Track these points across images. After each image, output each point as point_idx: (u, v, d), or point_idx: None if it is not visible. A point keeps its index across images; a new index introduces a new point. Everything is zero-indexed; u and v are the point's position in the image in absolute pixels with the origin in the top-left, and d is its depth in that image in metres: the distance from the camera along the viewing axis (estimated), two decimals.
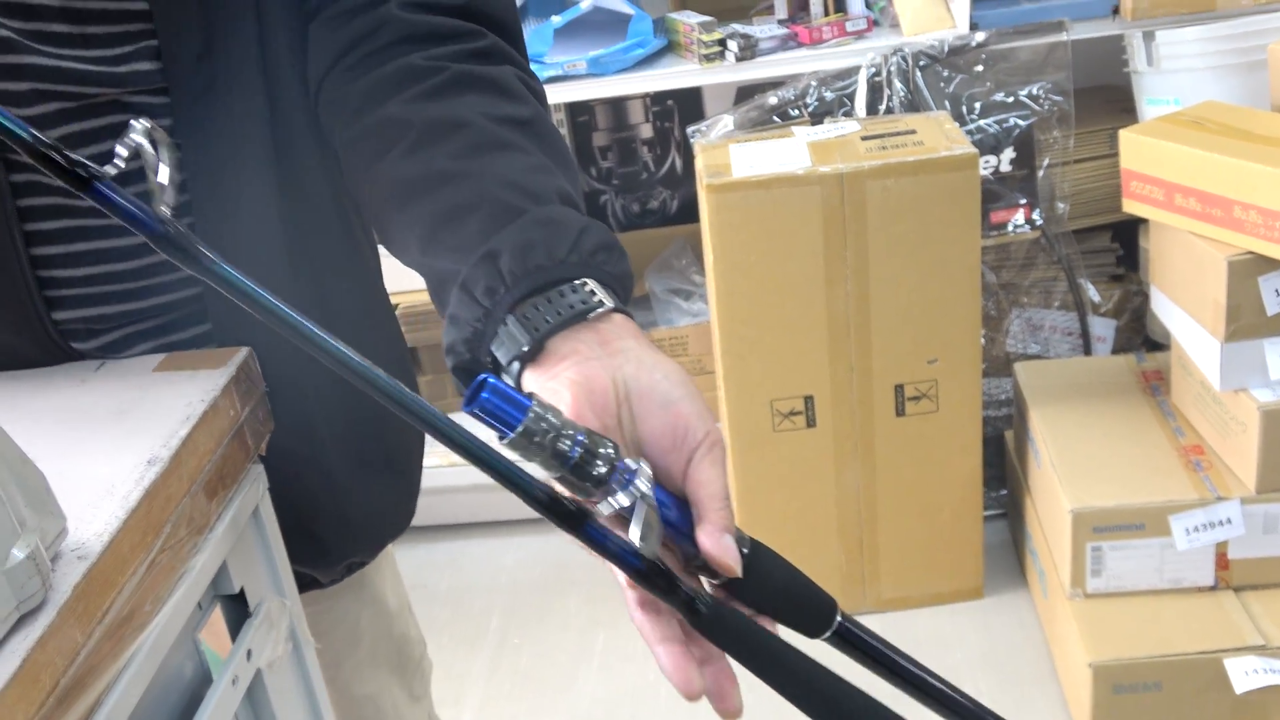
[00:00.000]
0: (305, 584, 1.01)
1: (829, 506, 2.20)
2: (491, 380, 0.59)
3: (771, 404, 2.11)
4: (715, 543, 0.62)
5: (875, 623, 2.30)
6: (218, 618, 0.84)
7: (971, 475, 2.20)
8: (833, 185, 1.96)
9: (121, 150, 0.62)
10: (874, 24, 2.45)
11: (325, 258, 0.98)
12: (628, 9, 2.45)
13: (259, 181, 0.91)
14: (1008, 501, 2.47)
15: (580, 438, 0.60)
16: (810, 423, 2.12)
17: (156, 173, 0.62)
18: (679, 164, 3.01)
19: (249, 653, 0.82)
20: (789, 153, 2.04)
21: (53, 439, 0.80)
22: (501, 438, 0.59)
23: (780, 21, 2.48)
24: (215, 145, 0.88)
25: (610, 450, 0.61)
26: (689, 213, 3.01)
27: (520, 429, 0.58)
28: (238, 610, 0.85)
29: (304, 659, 0.92)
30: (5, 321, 0.88)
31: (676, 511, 0.64)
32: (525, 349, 0.68)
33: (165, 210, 0.61)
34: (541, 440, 0.59)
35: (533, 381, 0.68)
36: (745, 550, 0.64)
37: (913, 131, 2.05)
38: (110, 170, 0.61)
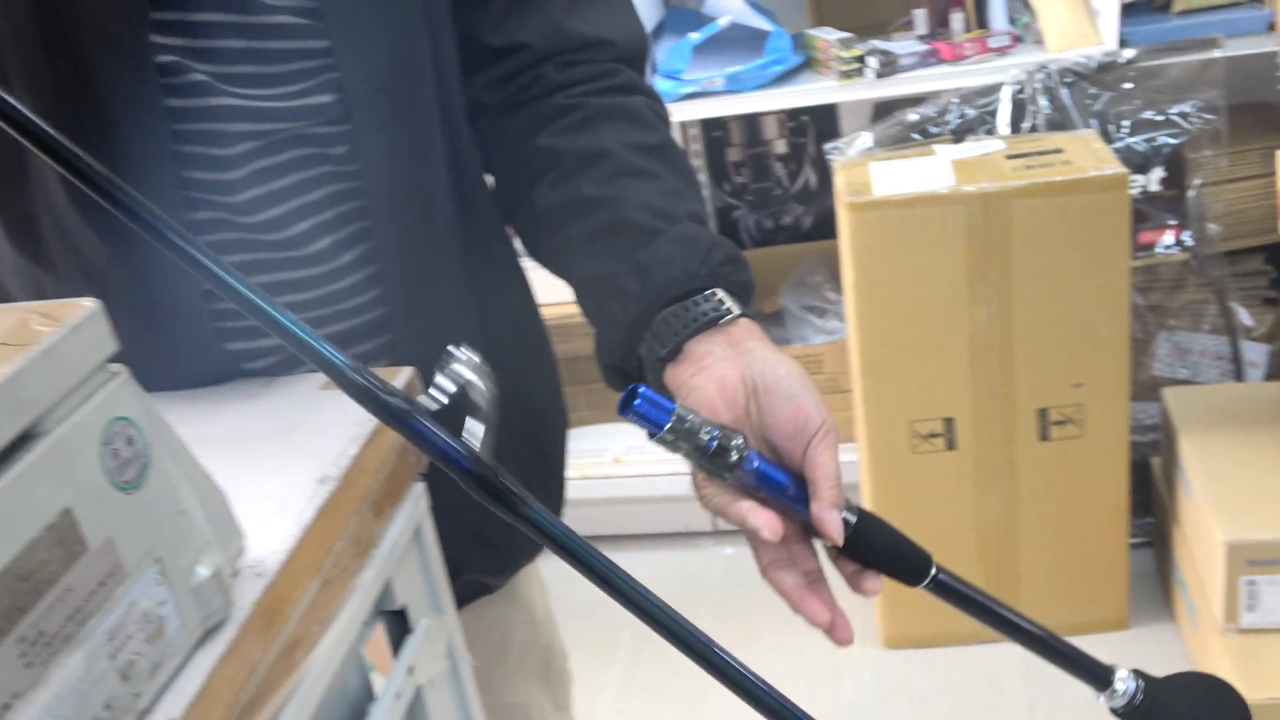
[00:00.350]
0: (469, 594, 1.04)
1: (968, 531, 2.16)
2: (643, 390, 0.72)
3: (910, 425, 2.08)
4: (824, 516, 0.73)
5: (1016, 650, 2.24)
6: (379, 634, 0.85)
7: (1117, 503, 2.14)
8: (977, 205, 1.93)
9: (446, 384, 0.62)
10: (1018, 40, 2.41)
11: (498, 282, 1.01)
12: (766, 25, 2.44)
13: (439, 208, 0.94)
14: (1154, 530, 2.40)
15: (715, 433, 0.72)
16: (950, 445, 2.09)
17: (481, 408, 0.61)
18: (813, 180, 2.99)
19: (410, 669, 0.83)
20: (932, 171, 2.01)
21: (226, 455, 0.82)
22: (651, 435, 0.72)
23: (920, 37, 2.45)
24: (397, 173, 0.91)
25: (740, 441, 0.73)
26: (823, 229, 2.99)
27: (667, 428, 0.72)
28: (398, 626, 0.86)
29: (460, 675, 0.93)
30: (185, 352, 0.91)
31: (796, 488, 0.75)
32: (667, 351, 0.80)
33: (480, 448, 0.60)
34: (684, 436, 0.72)
35: (673, 377, 0.80)
36: (853, 519, 0.75)
37: (1060, 150, 2.01)
38: (430, 404, 0.61)
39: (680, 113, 2.43)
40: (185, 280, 0.88)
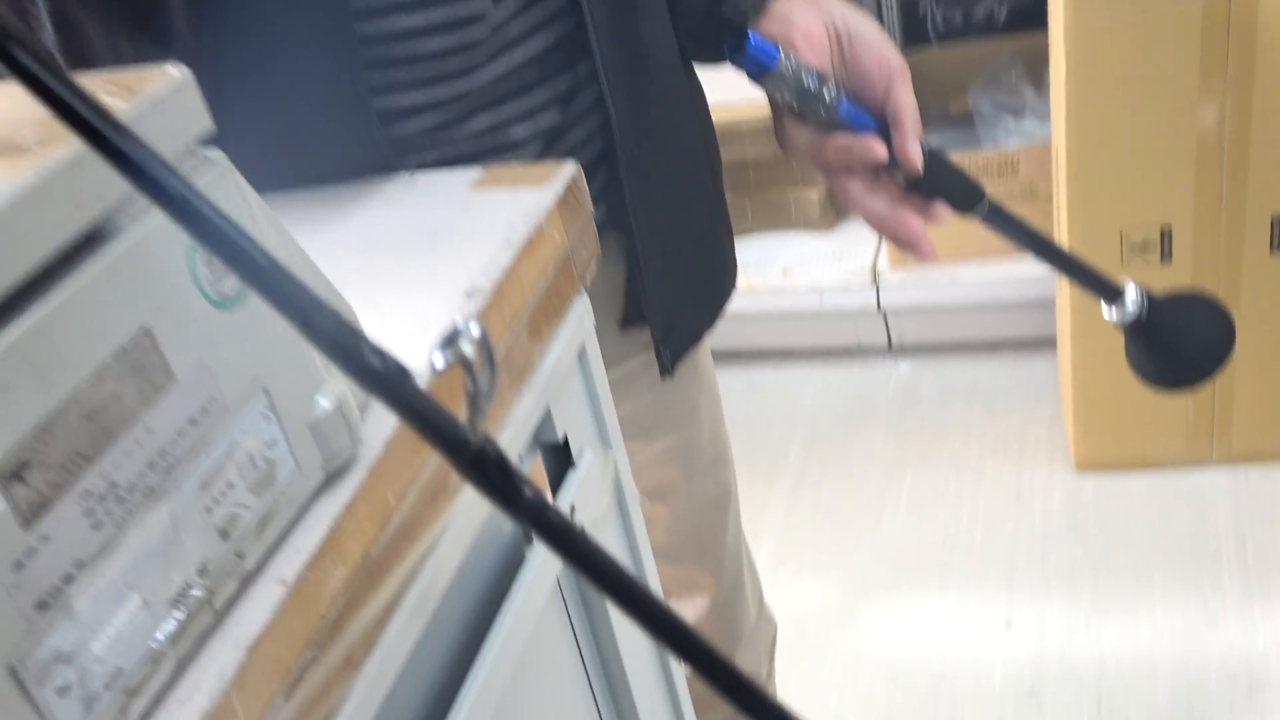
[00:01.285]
0: (680, 349, 1.00)
1: None
2: (752, 34, 0.82)
3: (1122, 234, 1.87)
4: (907, 145, 0.83)
5: (1225, 476, 2.07)
6: (537, 467, 0.75)
7: None
8: None
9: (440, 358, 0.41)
10: None
11: (693, 80, 1.00)
12: None
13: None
14: None
15: (814, 75, 0.82)
16: (1165, 257, 1.88)
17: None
18: None
19: (572, 508, 0.72)
20: None
21: (358, 265, 0.70)
22: (756, 76, 0.83)
23: None
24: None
25: (833, 84, 0.83)
26: (1019, 22, 2.72)
27: (774, 68, 0.82)
28: (559, 460, 0.75)
29: (628, 513, 0.82)
30: (341, 133, 0.80)
31: (877, 125, 0.85)
32: (754, 9, 0.88)
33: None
34: (787, 77, 0.82)
35: (763, 32, 0.87)
36: (925, 151, 0.84)
37: None
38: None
39: None
40: (341, 56, 0.77)
